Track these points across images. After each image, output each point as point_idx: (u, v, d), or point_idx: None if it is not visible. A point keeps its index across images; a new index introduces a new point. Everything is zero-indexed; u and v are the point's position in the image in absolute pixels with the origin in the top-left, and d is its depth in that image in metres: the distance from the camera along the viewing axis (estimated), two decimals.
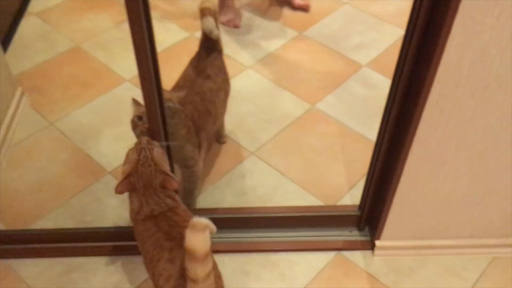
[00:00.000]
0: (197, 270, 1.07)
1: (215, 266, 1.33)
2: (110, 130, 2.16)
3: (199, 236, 1.07)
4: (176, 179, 1.39)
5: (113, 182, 1.95)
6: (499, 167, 1.49)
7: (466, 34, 1.18)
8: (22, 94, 2.24)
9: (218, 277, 1.34)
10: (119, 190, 1.37)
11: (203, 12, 1.73)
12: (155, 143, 1.43)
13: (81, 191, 1.93)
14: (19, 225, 1.81)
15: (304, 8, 2.80)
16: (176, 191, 1.44)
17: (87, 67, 2.47)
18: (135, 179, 1.36)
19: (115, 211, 1.87)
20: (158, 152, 1.40)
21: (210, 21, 1.74)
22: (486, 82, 1.28)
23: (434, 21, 1.21)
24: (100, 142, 2.12)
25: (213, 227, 1.22)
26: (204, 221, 1.10)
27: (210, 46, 1.84)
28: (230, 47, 2.57)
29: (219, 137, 2.10)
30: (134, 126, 1.57)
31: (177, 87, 1.74)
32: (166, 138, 1.52)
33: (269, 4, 2.87)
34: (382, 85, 2.37)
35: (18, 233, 1.75)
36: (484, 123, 1.37)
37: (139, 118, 1.55)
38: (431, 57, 1.23)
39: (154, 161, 1.36)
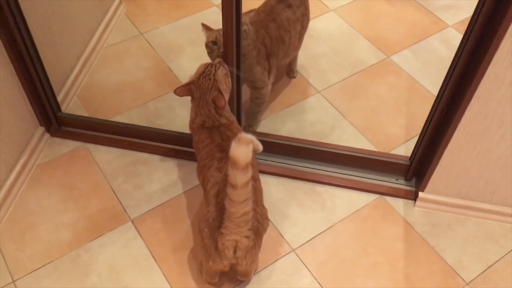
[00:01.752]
0: (237, 178, 1.18)
1: (257, 181, 1.46)
2: (191, 48, 2.32)
3: (242, 148, 1.17)
4: (224, 100, 1.51)
5: None
6: None
7: None
8: (120, 2, 2.45)
9: (259, 191, 1.47)
10: (177, 92, 1.54)
11: None
12: (225, 65, 1.56)
13: (157, 98, 2.12)
14: (100, 117, 2.04)
15: None
16: (221, 108, 1.53)
17: None
18: (194, 88, 1.51)
19: (183, 120, 2.04)
20: (222, 71, 1.53)
21: None
22: None
23: None
24: (181, 57, 2.29)
25: (257, 144, 1.32)
26: (249, 136, 1.19)
27: None
28: None
29: (290, 71, 2.19)
30: (210, 51, 1.71)
31: (258, 10, 1.84)
32: (238, 62, 1.63)
33: None
34: None
35: (99, 122, 1.98)
36: None
37: (214, 43, 1.68)
38: (505, 11, 1.23)
39: (215, 77, 1.50)
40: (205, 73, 1.50)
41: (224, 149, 1.47)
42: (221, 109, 1.52)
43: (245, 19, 1.68)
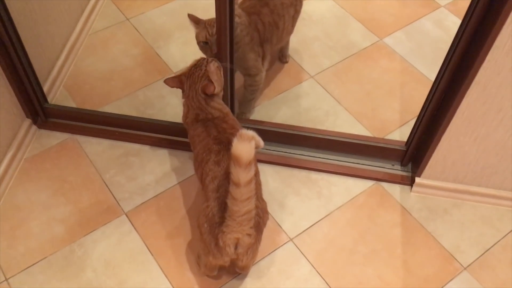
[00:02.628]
0: (240, 176, 1.15)
1: (257, 174, 1.43)
2: (180, 34, 2.25)
3: (245, 145, 1.14)
4: (212, 87, 1.47)
5: None
6: None
7: None
8: None
9: (258, 184, 1.44)
10: (167, 82, 1.51)
11: None
12: (219, 62, 1.52)
13: (146, 86, 2.07)
14: (88, 107, 1.98)
15: None
16: (211, 95, 1.50)
17: None
18: (185, 79, 1.47)
19: (174, 109, 1.99)
20: (214, 64, 1.49)
21: None
22: None
23: None
24: (170, 43, 2.22)
25: (259, 140, 1.30)
26: (251, 133, 1.17)
27: None
28: None
29: (282, 56, 2.15)
30: (203, 50, 1.67)
31: None
32: (232, 54, 1.58)
33: None
34: (456, 28, 2.29)
35: (87, 113, 1.92)
36: None
37: (205, 43, 1.63)
38: None
39: (206, 68, 1.46)
40: (196, 65, 1.46)
41: (221, 142, 1.43)
42: (210, 97, 1.48)
43: (236, 9, 1.63)
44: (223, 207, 1.23)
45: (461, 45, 1.42)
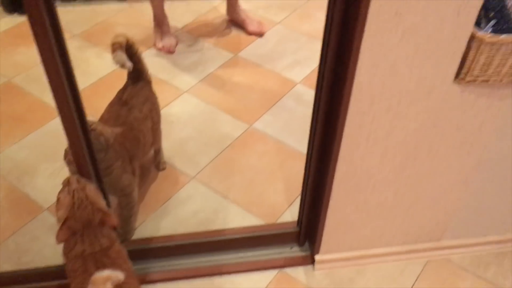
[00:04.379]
0: None
1: None
2: (46, 165, 2.12)
3: None
4: (115, 216, 1.39)
5: (51, 219, 1.92)
6: (421, 175, 1.57)
7: (373, 55, 1.25)
8: None
9: None
10: (60, 239, 1.35)
11: (113, 48, 1.69)
12: (84, 181, 1.42)
13: (16, 231, 1.88)
14: None
15: (259, 34, 2.84)
16: (114, 228, 1.43)
17: (20, 102, 2.42)
18: (73, 223, 1.35)
19: (54, 249, 1.81)
20: (91, 189, 1.39)
21: (119, 56, 1.69)
22: (398, 98, 1.36)
23: (344, 45, 1.28)
24: (36, 178, 2.08)
25: (116, 275, 1.19)
26: (105, 274, 1.08)
27: (135, 76, 1.84)
28: (166, 72, 2.59)
29: (158, 164, 2.11)
30: (65, 156, 1.58)
31: (102, 119, 1.76)
32: (96, 172, 1.51)
33: (211, 27, 2.91)
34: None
35: None
36: (402, 135, 1.45)
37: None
38: (345, 78, 1.29)
39: (89, 200, 1.36)
40: (76, 203, 1.35)
41: None
42: (102, 225, 1.39)
43: (105, 130, 1.58)
44: None
45: (319, 124, 1.49)
